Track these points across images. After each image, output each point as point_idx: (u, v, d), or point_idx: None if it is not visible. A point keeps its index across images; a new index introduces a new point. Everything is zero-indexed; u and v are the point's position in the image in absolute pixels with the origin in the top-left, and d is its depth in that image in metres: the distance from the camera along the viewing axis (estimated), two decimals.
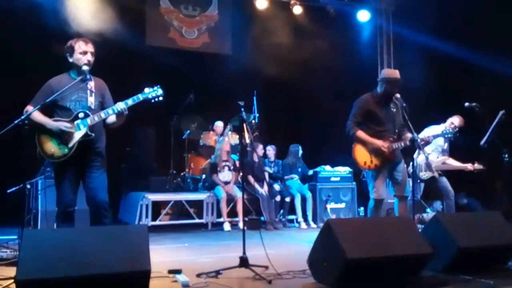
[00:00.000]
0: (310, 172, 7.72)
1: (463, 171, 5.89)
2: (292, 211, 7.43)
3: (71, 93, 3.65)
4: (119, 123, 3.81)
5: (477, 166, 5.83)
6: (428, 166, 5.78)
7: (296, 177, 7.64)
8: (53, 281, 2.33)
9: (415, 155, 5.67)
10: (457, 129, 5.58)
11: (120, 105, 3.63)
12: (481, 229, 3.47)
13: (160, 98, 3.79)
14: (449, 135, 5.08)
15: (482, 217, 3.78)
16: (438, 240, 3.30)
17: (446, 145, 6.00)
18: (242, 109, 3.89)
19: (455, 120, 5.84)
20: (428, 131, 5.64)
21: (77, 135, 3.58)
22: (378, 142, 4.47)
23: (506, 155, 4.97)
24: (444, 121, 5.96)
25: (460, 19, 7.35)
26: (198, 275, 3.36)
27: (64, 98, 3.63)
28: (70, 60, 3.71)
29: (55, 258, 2.39)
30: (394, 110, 4.61)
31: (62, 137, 3.55)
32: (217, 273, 3.39)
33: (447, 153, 6.01)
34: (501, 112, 5.20)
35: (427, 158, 5.72)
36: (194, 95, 7.59)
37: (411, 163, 5.22)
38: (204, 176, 7.61)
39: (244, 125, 4.27)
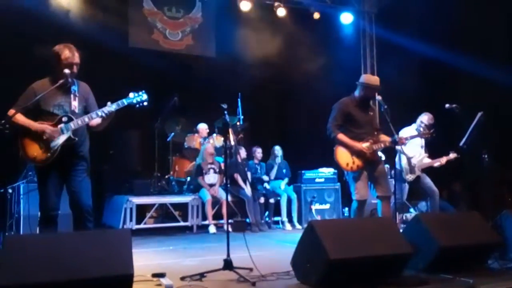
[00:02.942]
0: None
1: (446, 164, 5.96)
2: (277, 212, 7.46)
3: (54, 97, 3.63)
4: (103, 126, 3.79)
5: (451, 155, 5.92)
6: (412, 168, 5.87)
7: (285, 181, 7.67)
8: (34, 286, 2.31)
9: (396, 159, 5.76)
10: (430, 126, 5.69)
11: (106, 110, 3.61)
12: (461, 229, 3.54)
13: (145, 103, 3.79)
14: (424, 133, 5.16)
15: (462, 217, 3.86)
16: (419, 239, 3.36)
17: (423, 142, 6.08)
18: (225, 112, 3.91)
19: (424, 118, 5.91)
20: (402, 134, 5.72)
21: (60, 139, 3.56)
22: (359, 145, 4.55)
23: (485, 156, 5.05)
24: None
25: (442, 22, 7.48)
26: (182, 278, 3.36)
27: (48, 102, 3.60)
28: (55, 67, 3.65)
29: (37, 263, 2.38)
30: (371, 113, 4.75)
31: (45, 140, 3.53)
32: (201, 276, 3.40)
33: (425, 149, 6.09)
34: (479, 114, 5.29)
35: (410, 160, 5.81)
36: (179, 98, 7.57)
37: (394, 166, 5.32)
38: (189, 178, 7.60)
39: (229, 127, 4.28)
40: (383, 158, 5.87)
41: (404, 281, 3.06)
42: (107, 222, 7.01)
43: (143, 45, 8.46)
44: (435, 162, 5.97)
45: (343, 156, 4.59)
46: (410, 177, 5.88)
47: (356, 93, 4.71)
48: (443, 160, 5.93)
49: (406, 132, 5.82)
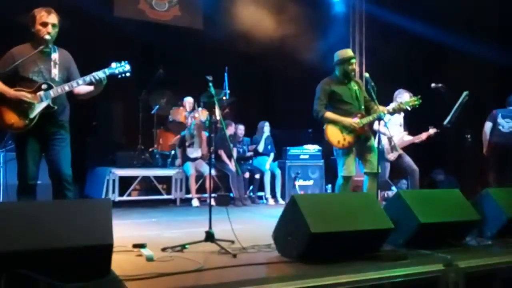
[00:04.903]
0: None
1: (426, 140, 5.97)
2: (261, 187, 7.48)
3: (33, 64, 3.53)
4: (90, 96, 3.71)
5: (431, 131, 5.90)
6: (393, 147, 5.88)
7: (271, 157, 7.66)
8: (11, 254, 2.27)
9: (377, 138, 5.75)
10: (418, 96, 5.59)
11: (88, 78, 3.53)
12: (441, 206, 3.57)
13: (127, 74, 3.72)
14: (414, 104, 4.98)
15: (442, 194, 3.89)
16: (400, 215, 3.39)
17: (401, 121, 6.08)
18: (210, 84, 3.84)
19: (407, 96, 5.82)
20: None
21: (39, 107, 3.47)
22: (348, 120, 4.54)
23: (468, 135, 5.10)
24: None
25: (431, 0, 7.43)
26: (163, 249, 3.35)
27: (26, 69, 3.51)
28: (32, 30, 3.57)
29: (14, 231, 2.33)
30: (356, 87, 4.71)
31: (22, 107, 3.44)
32: (183, 247, 3.40)
33: (402, 128, 6.11)
34: (464, 93, 5.30)
35: (390, 139, 5.80)
36: (164, 70, 7.46)
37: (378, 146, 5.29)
38: (173, 152, 7.55)
39: (213, 99, 4.20)
40: None
41: (383, 255, 3.09)
42: (89, 193, 6.96)
43: (129, 14, 8.27)
44: (415, 139, 5.97)
45: (333, 133, 4.59)
46: (392, 156, 5.90)
47: (336, 72, 4.71)
48: (423, 136, 5.91)
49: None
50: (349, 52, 4.75)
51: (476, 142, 6.12)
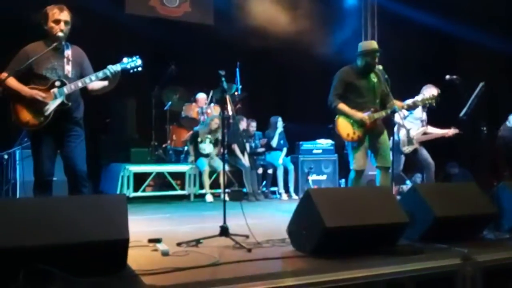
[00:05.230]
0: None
1: (444, 137, 5.97)
2: (275, 182, 7.47)
3: (47, 61, 3.55)
4: (104, 91, 3.73)
5: (453, 130, 5.92)
6: (410, 140, 5.83)
7: (284, 152, 7.64)
8: (27, 249, 2.30)
9: (395, 129, 5.71)
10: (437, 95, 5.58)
11: (101, 73, 3.55)
12: (457, 199, 3.53)
13: (139, 69, 3.73)
14: (430, 102, 4.96)
15: (458, 188, 3.84)
16: (415, 209, 3.35)
17: (424, 115, 6.04)
18: (223, 79, 3.83)
19: (434, 91, 5.80)
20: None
21: (53, 104, 3.50)
22: (359, 114, 4.50)
23: (484, 128, 5.02)
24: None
25: None
26: (179, 244, 3.36)
27: (40, 66, 3.53)
28: (45, 27, 3.59)
29: (31, 226, 2.36)
30: (375, 80, 4.61)
31: (37, 105, 3.47)
32: (197, 242, 3.40)
33: (425, 123, 6.06)
34: (480, 84, 5.22)
35: (408, 132, 5.76)
36: (176, 66, 7.48)
37: (391, 137, 5.25)
38: (186, 148, 7.58)
39: (226, 96, 4.20)
40: None
41: (399, 250, 3.06)
42: (104, 190, 7.03)
43: (140, 11, 8.29)
44: (441, 134, 5.96)
45: (343, 126, 4.56)
46: (407, 149, 5.85)
47: (358, 63, 4.63)
48: (449, 132, 5.92)
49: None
50: (373, 44, 4.66)
51: (491, 135, 6.04)
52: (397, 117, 5.08)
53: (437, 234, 3.31)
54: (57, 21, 3.54)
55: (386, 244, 3.13)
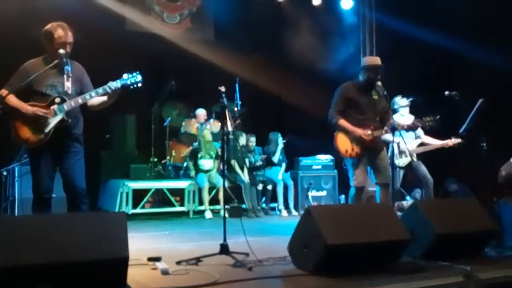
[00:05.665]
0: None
1: (444, 149, 5.90)
2: (274, 198, 7.44)
3: (47, 78, 3.55)
4: (103, 106, 3.73)
5: (454, 140, 5.83)
6: (401, 152, 5.81)
7: (283, 168, 7.61)
8: (27, 268, 2.27)
9: (390, 146, 5.70)
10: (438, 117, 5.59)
11: (101, 89, 3.56)
12: (459, 216, 3.52)
13: (139, 85, 3.74)
14: (430, 124, 4.99)
15: (459, 204, 3.82)
16: (417, 226, 3.34)
17: (420, 130, 6.02)
18: (223, 95, 3.85)
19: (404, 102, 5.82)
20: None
21: (53, 121, 3.50)
22: (359, 131, 4.50)
23: (484, 144, 5.01)
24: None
25: (443, 8, 7.38)
26: (178, 263, 3.33)
27: (40, 83, 3.53)
28: (47, 47, 3.59)
29: (29, 244, 2.34)
30: (376, 97, 4.62)
31: (37, 122, 3.46)
32: (198, 260, 3.37)
33: (415, 137, 6.04)
34: (480, 101, 5.24)
35: (398, 145, 5.71)
36: (176, 82, 7.50)
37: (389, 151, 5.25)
38: (185, 164, 7.56)
39: (226, 111, 4.21)
40: None
41: (401, 268, 3.04)
42: (103, 206, 6.98)
43: (140, 28, 8.33)
44: (440, 144, 5.90)
45: (342, 142, 4.55)
46: (401, 161, 5.84)
47: (360, 77, 4.63)
48: (449, 143, 5.83)
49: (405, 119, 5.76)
50: (377, 60, 4.65)
51: (491, 150, 6.02)
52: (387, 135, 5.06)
53: (439, 251, 3.29)
54: (64, 45, 3.54)
55: (388, 261, 3.10)
